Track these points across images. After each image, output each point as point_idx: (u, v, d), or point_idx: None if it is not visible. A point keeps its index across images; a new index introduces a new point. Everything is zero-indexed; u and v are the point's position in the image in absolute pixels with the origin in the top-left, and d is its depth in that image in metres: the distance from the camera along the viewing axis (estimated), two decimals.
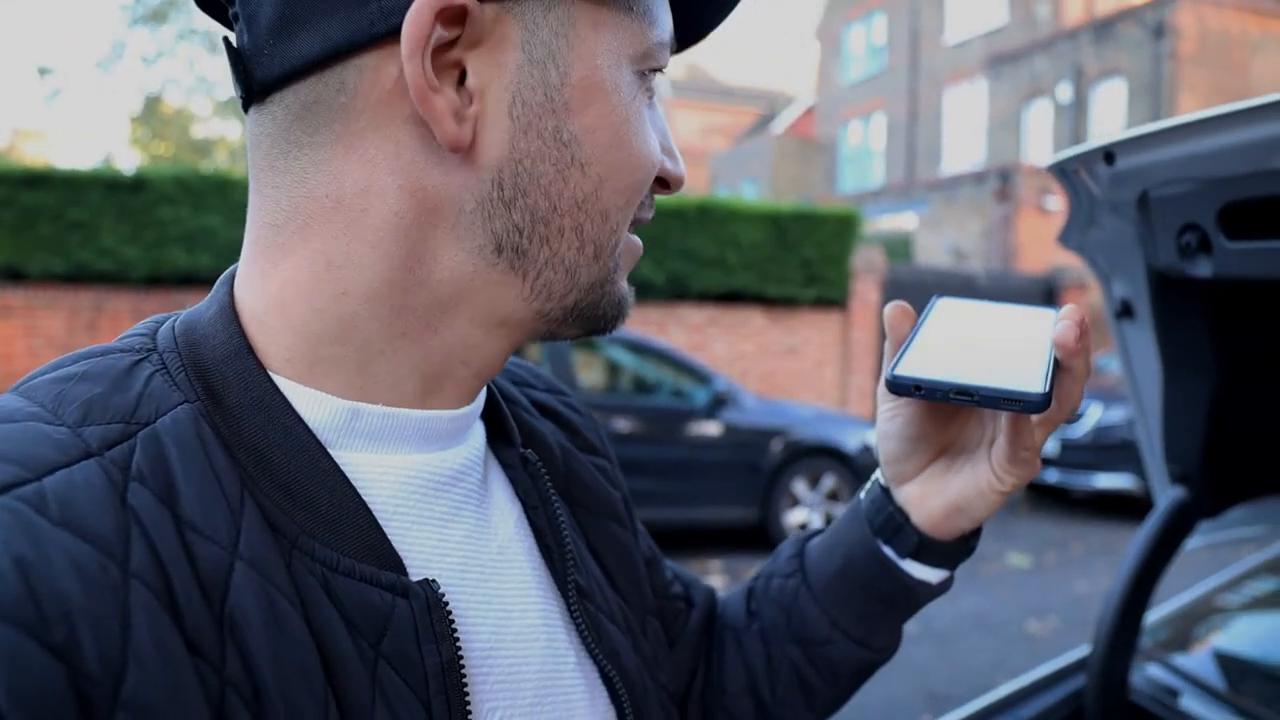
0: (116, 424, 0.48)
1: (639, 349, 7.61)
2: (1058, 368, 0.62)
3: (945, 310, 0.72)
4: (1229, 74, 19.16)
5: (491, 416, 0.68)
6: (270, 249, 0.55)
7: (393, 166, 0.53)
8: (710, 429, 7.16)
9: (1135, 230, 1.21)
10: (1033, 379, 0.61)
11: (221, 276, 0.59)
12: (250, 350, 0.54)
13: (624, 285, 0.62)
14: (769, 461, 7.20)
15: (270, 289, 0.55)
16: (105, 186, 9.26)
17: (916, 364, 0.63)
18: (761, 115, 41.06)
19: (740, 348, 11.20)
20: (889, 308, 0.69)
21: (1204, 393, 1.40)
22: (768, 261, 11.12)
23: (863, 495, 0.76)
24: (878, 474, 0.75)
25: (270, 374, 0.54)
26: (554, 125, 0.54)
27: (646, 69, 0.57)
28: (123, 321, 9.31)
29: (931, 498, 0.71)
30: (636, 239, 0.62)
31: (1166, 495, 1.52)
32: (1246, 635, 1.93)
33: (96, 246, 9.22)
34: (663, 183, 0.62)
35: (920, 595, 0.74)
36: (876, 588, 0.74)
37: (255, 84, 0.53)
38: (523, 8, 0.52)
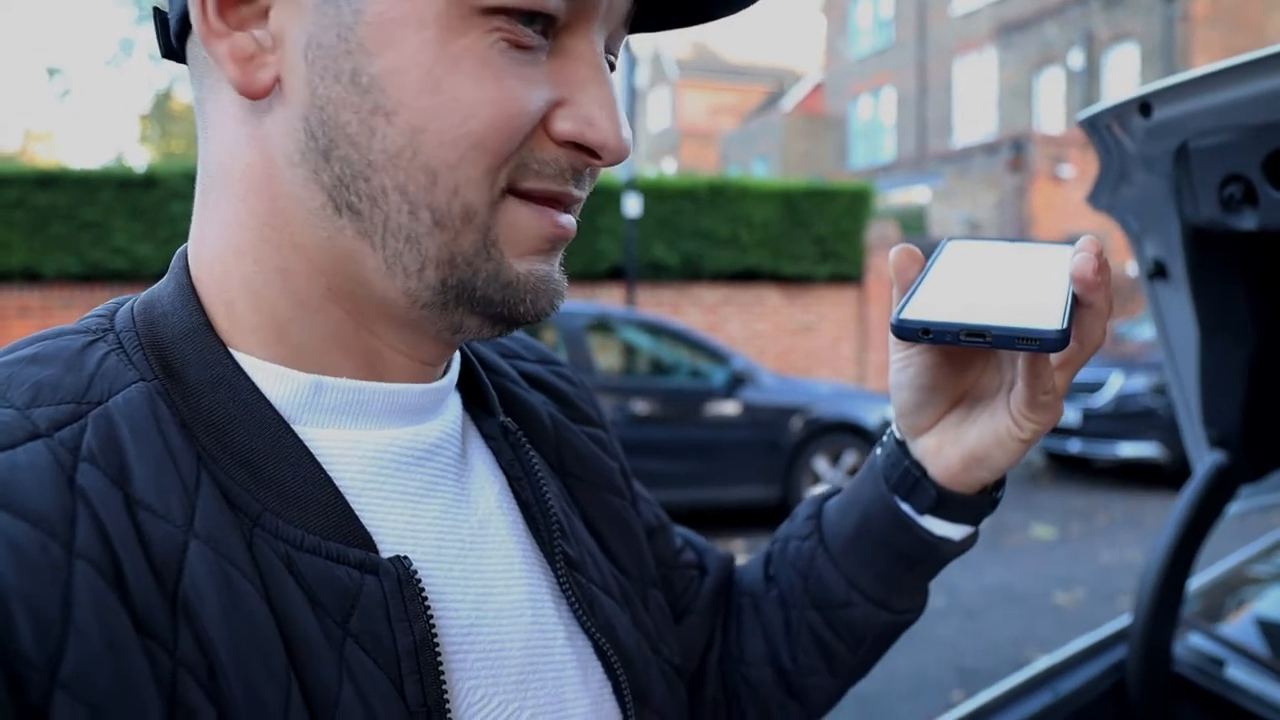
0: (67, 404, 0.48)
1: (655, 330, 7.59)
2: (1077, 304, 0.59)
3: (955, 251, 0.68)
4: (1243, 35, 18.91)
5: (470, 386, 0.66)
6: (197, 213, 0.56)
7: (238, 116, 0.53)
8: (729, 408, 7.13)
9: (1170, 185, 1.17)
10: (1050, 316, 0.57)
11: (178, 251, 0.58)
12: (210, 327, 0.53)
13: (523, 266, 0.54)
14: (789, 439, 7.17)
15: (204, 257, 0.55)
16: (117, 185, 9.31)
17: (924, 307, 0.60)
18: (770, 93, 40.85)
19: (756, 326, 11.17)
20: (894, 251, 0.65)
21: (1242, 354, 1.35)
22: (781, 239, 11.07)
23: (878, 450, 0.73)
24: (893, 427, 0.72)
25: (231, 350, 0.53)
26: (351, 68, 0.49)
27: (493, 5, 0.49)
28: None
29: (948, 449, 0.68)
30: (553, 218, 0.54)
31: (1205, 460, 1.48)
32: None
33: (110, 245, 9.28)
34: (590, 152, 0.54)
35: (942, 552, 0.71)
36: (895, 546, 0.71)
37: (173, 45, 0.56)
38: None
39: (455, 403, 0.63)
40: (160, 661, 0.43)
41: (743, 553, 6.60)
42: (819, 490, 0.83)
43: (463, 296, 0.53)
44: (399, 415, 0.57)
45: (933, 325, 0.58)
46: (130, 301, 0.56)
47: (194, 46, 0.54)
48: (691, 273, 10.82)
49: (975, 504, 0.69)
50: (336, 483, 0.53)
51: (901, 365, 0.67)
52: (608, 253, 10.48)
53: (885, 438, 0.73)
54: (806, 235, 11.17)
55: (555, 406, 0.75)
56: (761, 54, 42.81)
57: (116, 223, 9.27)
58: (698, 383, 7.33)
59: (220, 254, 0.54)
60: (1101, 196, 1.34)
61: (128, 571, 0.44)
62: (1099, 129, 1.15)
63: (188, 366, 0.52)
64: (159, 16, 0.57)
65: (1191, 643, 1.66)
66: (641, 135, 39.33)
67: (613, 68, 0.59)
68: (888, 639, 0.77)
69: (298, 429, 0.53)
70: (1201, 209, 1.06)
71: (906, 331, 0.59)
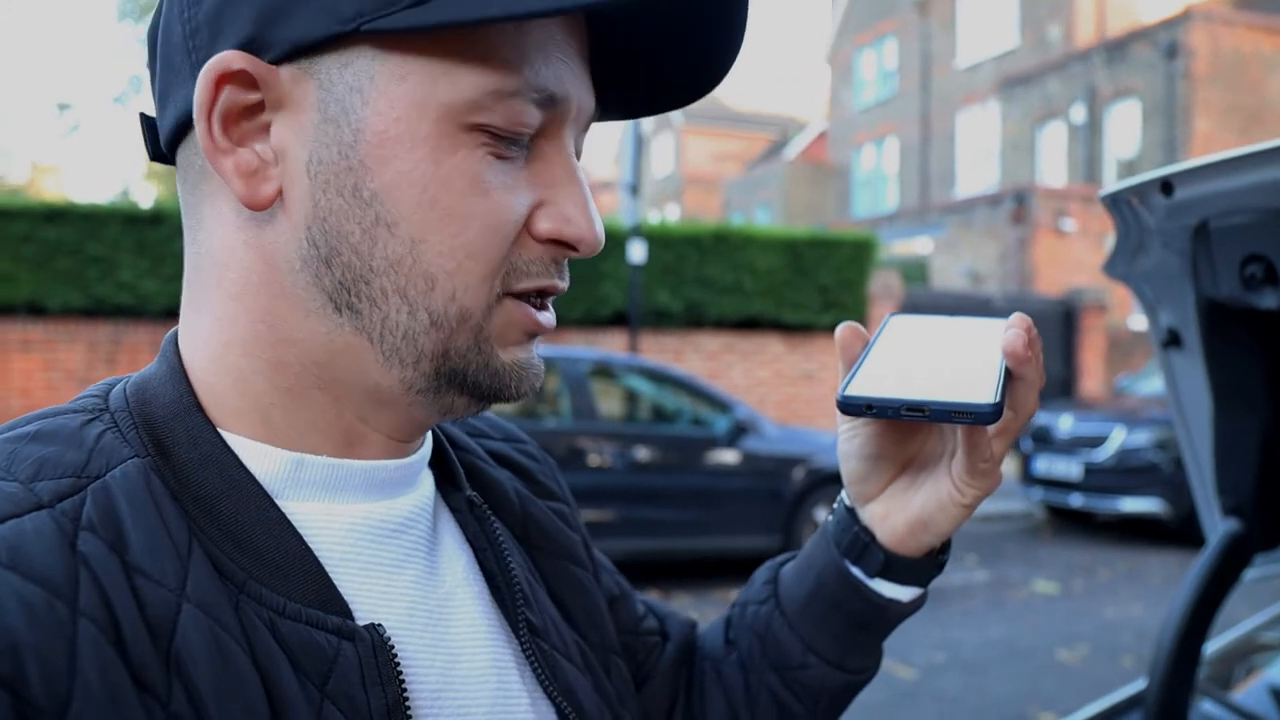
0: (67, 478, 0.51)
1: (658, 377, 7.60)
2: (1010, 377, 0.62)
3: (898, 328, 0.72)
4: (1244, 92, 19.14)
5: (439, 463, 0.70)
6: (187, 305, 0.60)
7: (236, 223, 0.56)
8: (731, 457, 7.13)
9: (1186, 260, 1.19)
10: (984, 390, 0.60)
11: (167, 335, 0.62)
12: (199, 408, 0.57)
13: (508, 356, 0.59)
14: (791, 489, 7.16)
15: (194, 345, 0.59)
16: (124, 220, 9.38)
17: (867, 383, 0.63)
18: (773, 141, 41.23)
19: (757, 374, 11.19)
20: (839, 328, 0.70)
21: (1256, 424, 1.36)
22: (784, 287, 11.13)
23: (829, 518, 0.76)
24: (843, 495, 0.75)
25: (219, 429, 0.57)
26: (353, 183, 0.53)
27: (479, 122, 0.54)
28: (141, 354, 9.38)
29: (895, 515, 0.71)
30: (533, 315, 0.59)
31: (1219, 528, 1.48)
32: None
33: (115, 280, 9.32)
34: (568, 245, 0.59)
35: (892, 614, 0.74)
36: (847, 608, 0.74)
37: (163, 149, 0.60)
38: (319, 67, 0.53)
39: (428, 479, 0.67)
40: (155, 714, 0.46)
41: None
42: None
43: (454, 383, 0.58)
44: (374, 490, 0.61)
45: (875, 401, 0.61)
46: (122, 382, 0.60)
47: (186, 153, 0.58)
48: (694, 319, 10.86)
49: (922, 567, 0.73)
50: (316, 553, 0.56)
51: (848, 436, 0.72)
52: (611, 299, 10.52)
53: (836, 505, 0.76)
54: (810, 284, 11.23)
55: (520, 482, 0.78)
56: (766, 102, 43.28)
57: (123, 258, 9.33)
58: (700, 431, 7.33)
59: (210, 345, 0.58)
60: (1118, 266, 1.36)
61: (126, 631, 0.47)
62: (1120, 203, 1.17)
63: (178, 444, 0.55)
64: (146, 122, 0.61)
65: (1204, 710, 1.65)
66: (646, 181, 39.70)
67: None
68: (844, 699, 0.80)
69: (280, 503, 0.56)
70: (1221, 285, 1.07)
71: (851, 407, 0.62)
